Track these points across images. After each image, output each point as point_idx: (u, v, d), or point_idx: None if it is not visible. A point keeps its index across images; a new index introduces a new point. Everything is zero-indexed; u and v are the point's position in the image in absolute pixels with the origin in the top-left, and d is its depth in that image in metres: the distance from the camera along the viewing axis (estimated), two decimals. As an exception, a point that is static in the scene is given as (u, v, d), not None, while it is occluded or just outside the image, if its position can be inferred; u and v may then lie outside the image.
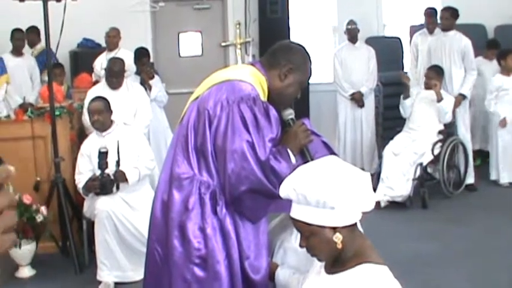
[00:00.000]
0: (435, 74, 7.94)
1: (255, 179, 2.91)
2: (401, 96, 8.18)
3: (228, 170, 2.92)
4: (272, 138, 2.99)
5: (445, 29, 8.33)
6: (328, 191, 2.41)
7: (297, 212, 2.51)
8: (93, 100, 6.07)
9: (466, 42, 8.22)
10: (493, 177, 8.61)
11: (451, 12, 8.33)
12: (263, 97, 3.12)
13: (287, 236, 3.17)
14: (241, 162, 2.90)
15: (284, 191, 2.54)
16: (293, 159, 3.01)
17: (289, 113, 3.18)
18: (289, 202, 2.54)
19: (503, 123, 8.46)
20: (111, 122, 6.04)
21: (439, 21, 8.59)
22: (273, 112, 3.03)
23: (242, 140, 2.92)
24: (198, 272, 3.00)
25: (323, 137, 3.27)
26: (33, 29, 9.15)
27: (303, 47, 3.31)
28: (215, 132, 2.99)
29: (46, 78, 8.66)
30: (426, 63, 8.45)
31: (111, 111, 6.04)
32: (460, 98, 8.16)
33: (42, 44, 9.14)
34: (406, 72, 9.08)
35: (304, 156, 3.07)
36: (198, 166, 3.04)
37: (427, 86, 7.96)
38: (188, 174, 3.03)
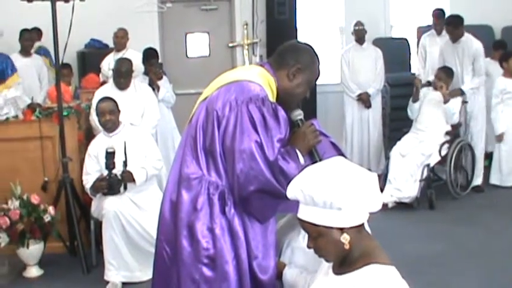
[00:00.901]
0: (444, 76, 7.93)
1: (264, 179, 2.91)
2: (411, 99, 8.17)
3: (237, 170, 2.92)
4: (280, 139, 3.00)
5: (455, 40, 8.26)
6: (335, 191, 2.42)
7: (305, 213, 2.51)
8: (102, 100, 6.07)
9: (477, 46, 8.16)
10: (493, 181, 8.58)
11: (454, 24, 8.23)
12: (272, 98, 3.12)
13: (294, 235, 3.17)
14: (250, 163, 2.91)
15: (291, 191, 2.55)
16: (301, 160, 3.01)
17: (298, 114, 3.18)
18: (297, 202, 2.55)
19: (499, 138, 8.48)
20: (119, 122, 6.05)
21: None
22: (281, 113, 3.03)
23: (251, 141, 2.92)
24: (207, 272, 3.01)
25: (332, 138, 3.27)
26: (36, 30, 9.24)
27: (311, 47, 3.31)
28: (224, 133, 2.99)
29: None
30: (436, 66, 8.41)
31: (120, 112, 6.06)
32: (458, 91, 8.12)
33: (39, 44, 9.34)
34: (417, 74, 9.07)
35: (313, 157, 3.07)
36: (207, 166, 3.04)
37: (435, 87, 7.96)
38: (197, 175, 3.04)
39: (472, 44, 8.18)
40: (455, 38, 8.22)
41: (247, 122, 2.96)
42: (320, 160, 2.99)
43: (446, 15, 8.87)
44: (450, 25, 8.26)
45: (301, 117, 3.18)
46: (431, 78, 8.38)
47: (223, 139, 2.99)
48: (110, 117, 5.95)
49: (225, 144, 2.98)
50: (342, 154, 3.14)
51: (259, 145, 2.93)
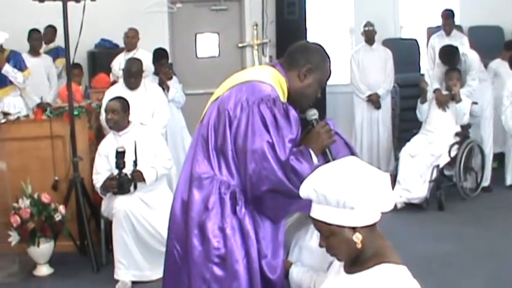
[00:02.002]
0: (459, 75, 7.92)
1: (276, 178, 2.92)
2: (419, 101, 8.16)
3: (249, 170, 2.93)
4: (292, 139, 3.00)
5: (454, 66, 8.27)
6: (348, 191, 2.43)
7: (317, 212, 2.52)
8: (111, 99, 6.12)
9: (472, 58, 8.24)
10: (509, 182, 8.55)
11: (448, 56, 8.24)
12: (283, 98, 3.13)
13: (302, 234, 3.18)
14: (262, 162, 2.91)
15: (304, 191, 2.56)
16: (315, 160, 3.02)
17: (313, 113, 3.18)
18: (310, 202, 2.56)
19: None
20: (128, 122, 6.07)
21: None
22: (292, 113, 3.03)
23: (262, 141, 2.93)
24: (217, 271, 3.01)
25: (346, 138, 3.27)
26: (51, 28, 9.26)
27: (321, 46, 3.31)
28: (235, 133, 3.00)
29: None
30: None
31: (129, 112, 6.07)
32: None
33: (55, 44, 9.36)
34: (423, 75, 9.06)
35: (326, 157, 3.07)
36: (218, 166, 3.05)
37: (448, 87, 7.94)
38: (208, 174, 3.05)
39: (466, 57, 8.22)
40: (453, 65, 8.21)
41: (259, 123, 2.97)
42: (333, 160, 2.99)
43: (450, 19, 8.89)
44: (445, 56, 8.26)
45: (316, 116, 3.18)
46: (436, 85, 8.35)
47: (235, 139, 3.00)
48: (112, 116, 5.99)
49: (237, 144, 2.99)
50: (355, 154, 3.14)
51: (270, 145, 2.93)
